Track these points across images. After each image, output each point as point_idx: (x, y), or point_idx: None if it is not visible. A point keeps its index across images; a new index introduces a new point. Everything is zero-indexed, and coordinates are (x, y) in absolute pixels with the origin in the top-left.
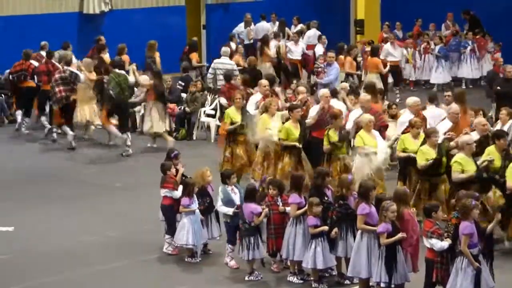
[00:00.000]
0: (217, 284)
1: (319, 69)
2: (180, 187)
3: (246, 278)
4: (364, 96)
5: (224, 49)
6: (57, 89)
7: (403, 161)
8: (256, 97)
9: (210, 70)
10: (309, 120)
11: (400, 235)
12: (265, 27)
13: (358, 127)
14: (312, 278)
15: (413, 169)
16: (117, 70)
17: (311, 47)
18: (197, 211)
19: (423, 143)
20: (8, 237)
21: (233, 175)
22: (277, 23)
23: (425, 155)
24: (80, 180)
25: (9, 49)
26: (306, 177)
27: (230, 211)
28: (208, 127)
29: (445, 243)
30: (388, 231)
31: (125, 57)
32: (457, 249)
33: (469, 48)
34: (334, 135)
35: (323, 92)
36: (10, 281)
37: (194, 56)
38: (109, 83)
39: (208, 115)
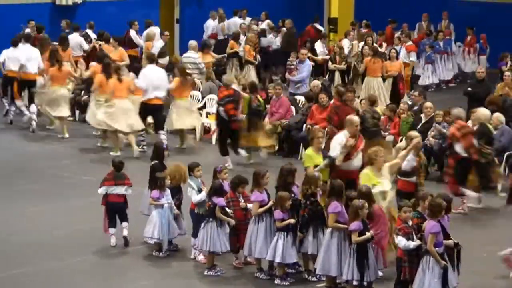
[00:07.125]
0: (182, 278)
1: (292, 67)
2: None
3: (205, 273)
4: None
5: (192, 42)
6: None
7: None
8: (341, 136)
9: None
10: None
11: (369, 233)
12: (237, 22)
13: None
14: (277, 274)
15: None
16: None
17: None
18: (166, 205)
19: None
20: None
21: (198, 167)
22: (248, 18)
23: None
24: (48, 173)
25: None
26: (267, 174)
27: (204, 195)
28: None
29: (411, 243)
30: (360, 229)
31: None
32: (423, 249)
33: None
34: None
35: None
36: None
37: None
38: None
39: None
